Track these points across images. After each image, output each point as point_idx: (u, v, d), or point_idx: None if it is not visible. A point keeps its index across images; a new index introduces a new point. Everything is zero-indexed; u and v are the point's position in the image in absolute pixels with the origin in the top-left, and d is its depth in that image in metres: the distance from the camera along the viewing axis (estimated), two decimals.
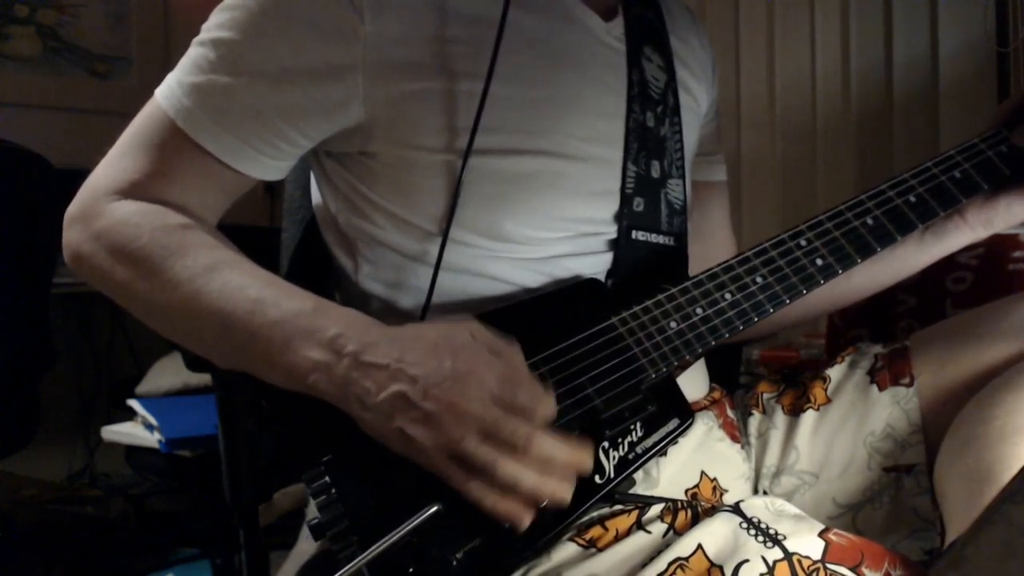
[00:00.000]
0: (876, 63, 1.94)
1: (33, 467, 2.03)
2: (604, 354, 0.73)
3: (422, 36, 0.75)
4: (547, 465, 0.62)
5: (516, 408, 0.63)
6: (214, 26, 0.75)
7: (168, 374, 2.08)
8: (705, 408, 0.88)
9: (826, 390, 0.91)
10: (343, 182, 0.82)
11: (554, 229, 0.80)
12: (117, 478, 2.51)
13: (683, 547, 0.63)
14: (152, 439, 1.79)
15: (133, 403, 1.90)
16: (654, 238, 0.85)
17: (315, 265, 0.89)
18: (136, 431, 1.86)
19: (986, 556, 0.48)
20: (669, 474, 0.81)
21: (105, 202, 0.74)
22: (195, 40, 0.76)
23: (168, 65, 0.77)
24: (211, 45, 0.74)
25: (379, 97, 0.75)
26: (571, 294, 0.79)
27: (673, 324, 0.75)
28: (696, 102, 0.97)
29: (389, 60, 0.74)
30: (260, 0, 0.73)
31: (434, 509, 0.64)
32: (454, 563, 0.64)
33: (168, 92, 0.75)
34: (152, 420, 1.79)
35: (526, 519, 0.62)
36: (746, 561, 0.60)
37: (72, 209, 0.76)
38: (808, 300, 0.83)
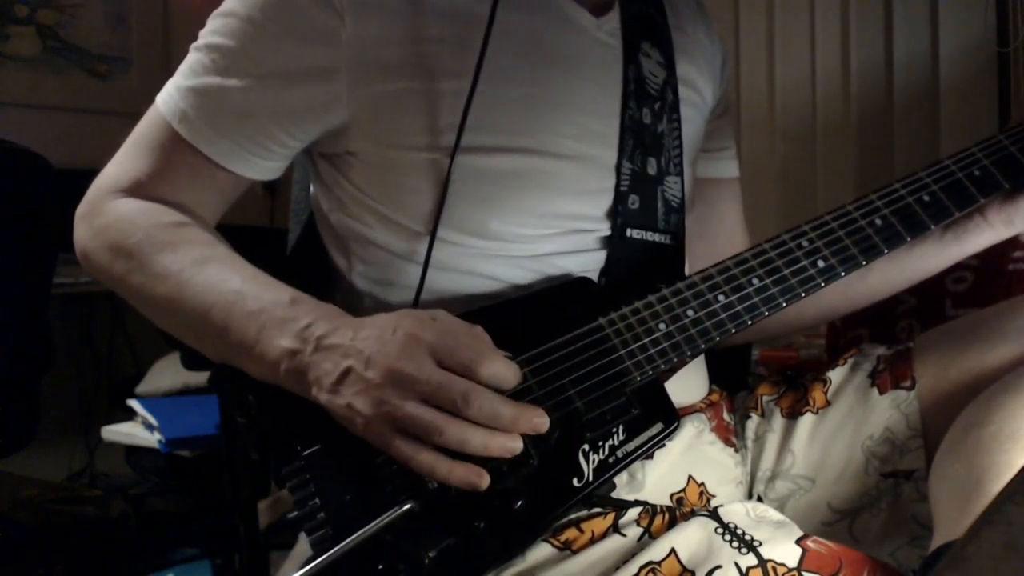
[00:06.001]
0: (876, 63, 1.93)
1: (33, 467, 2.02)
2: (589, 355, 0.72)
3: (404, 36, 0.76)
4: (494, 422, 0.62)
5: (455, 364, 0.63)
6: (209, 32, 0.78)
7: (168, 374, 2.08)
8: (699, 411, 0.87)
9: (826, 393, 0.89)
10: (334, 182, 0.83)
11: (544, 227, 0.80)
12: (117, 478, 2.51)
13: (656, 551, 0.62)
14: (152, 439, 1.79)
15: (133, 403, 1.91)
16: (649, 236, 0.84)
17: (315, 264, 0.89)
18: (136, 431, 1.86)
19: (986, 556, 0.48)
20: (655, 477, 0.79)
21: (107, 200, 0.78)
22: (192, 46, 0.79)
23: (168, 65, 0.80)
24: (205, 50, 0.77)
25: (363, 98, 0.76)
26: (560, 293, 0.78)
27: (662, 326, 0.74)
28: (700, 96, 0.96)
29: (371, 61, 0.75)
30: (250, 6, 0.75)
31: (407, 507, 0.64)
32: (426, 561, 0.64)
33: (167, 96, 0.79)
34: (152, 420, 1.80)
35: (483, 482, 0.63)
36: (719, 567, 0.59)
37: (80, 207, 0.80)
38: (822, 301, 0.80)
